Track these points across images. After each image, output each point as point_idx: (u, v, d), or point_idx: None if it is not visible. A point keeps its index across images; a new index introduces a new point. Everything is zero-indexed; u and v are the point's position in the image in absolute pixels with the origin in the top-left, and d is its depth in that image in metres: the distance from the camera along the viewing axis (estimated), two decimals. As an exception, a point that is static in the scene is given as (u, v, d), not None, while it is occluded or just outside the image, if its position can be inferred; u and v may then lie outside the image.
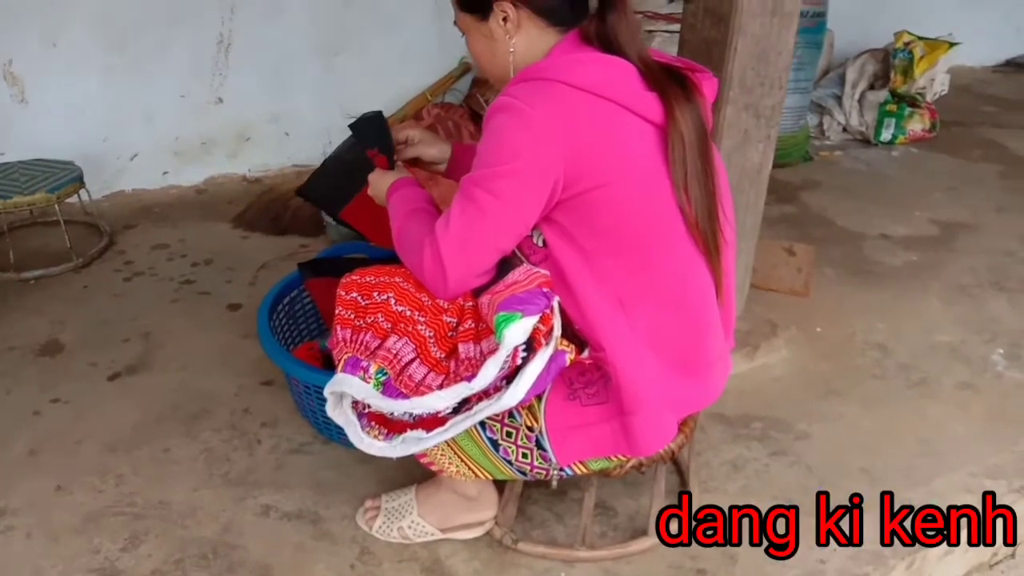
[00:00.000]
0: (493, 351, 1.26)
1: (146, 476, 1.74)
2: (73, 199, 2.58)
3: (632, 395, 1.31)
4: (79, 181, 2.52)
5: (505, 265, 1.34)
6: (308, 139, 3.20)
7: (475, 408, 1.27)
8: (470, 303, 1.33)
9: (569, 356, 1.28)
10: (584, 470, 1.42)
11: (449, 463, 1.45)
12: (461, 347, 1.30)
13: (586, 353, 1.31)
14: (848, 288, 2.58)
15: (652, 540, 1.59)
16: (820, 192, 3.27)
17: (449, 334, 1.33)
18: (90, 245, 2.62)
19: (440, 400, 1.25)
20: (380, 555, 1.57)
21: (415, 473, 1.69)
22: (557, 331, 1.27)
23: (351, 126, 1.76)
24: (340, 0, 3.07)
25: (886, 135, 3.72)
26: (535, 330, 1.24)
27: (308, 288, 1.98)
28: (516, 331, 1.21)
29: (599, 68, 1.28)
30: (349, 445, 1.77)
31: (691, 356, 1.39)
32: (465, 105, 3.26)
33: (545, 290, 1.27)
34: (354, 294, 1.37)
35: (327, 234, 2.74)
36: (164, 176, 3.02)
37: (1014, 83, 4.80)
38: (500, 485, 1.61)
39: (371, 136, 1.68)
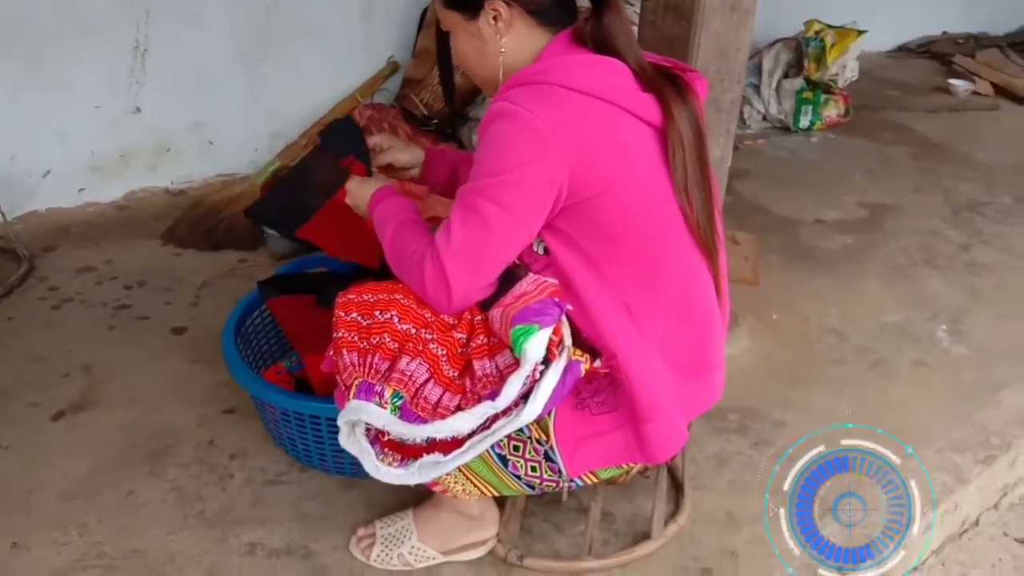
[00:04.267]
0: (510, 366, 1.22)
1: (113, 524, 1.61)
2: (-16, 223, 2.38)
3: (646, 403, 1.29)
4: (-7, 204, 2.32)
5: (508, 276, 1.29)
6: (233, 147, 3.04)
7: (494, 427, 1.22)
8: (479, 317, 1.29)
9: (584, 366, 1.25)
10: (594, 480, 1.40)
11: (455, 482, 1.39)
12: (476, 364, 1.25)
13: (599, 362, 1.28)
14: (794, 274, 2.65)
15: (656, 543, 1.58)
16: (751, 180, 3.34)
17: (460, 351, 1.28)
18: (8, 272, 2.40)
19: (464, 422, 1.20)
20: (381, 585, 1.50)
21: (403, 496, 1.63)
22: (568, 341, 1.24)
23: (321, 133, 1.68)
24: (262, 3, 2.92)
25: (804, 122, 3.84)
26: (548, 342, 1.20)
27: (270, 308, 1.87)
28: (536, 344, 1.18)
29: (596, 70, 1.26)
30: (329, 471, 1.72)
31: (699, 360, 1.38)
32: (397, 105, 3.17)
33: (556, 299, 1.24)
34: (354, 314, 1.30)
35: (268, 247, 2.61)
36: (80, 193, 2.81)
37: (908, 67, 5.04)
38: (501, 502, 1.57)
39: (344, 143, 1.61)
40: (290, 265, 2.08)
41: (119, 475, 1.73)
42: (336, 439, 1.33)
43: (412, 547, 1.52)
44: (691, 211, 1.30)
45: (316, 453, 1.68)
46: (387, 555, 1.52)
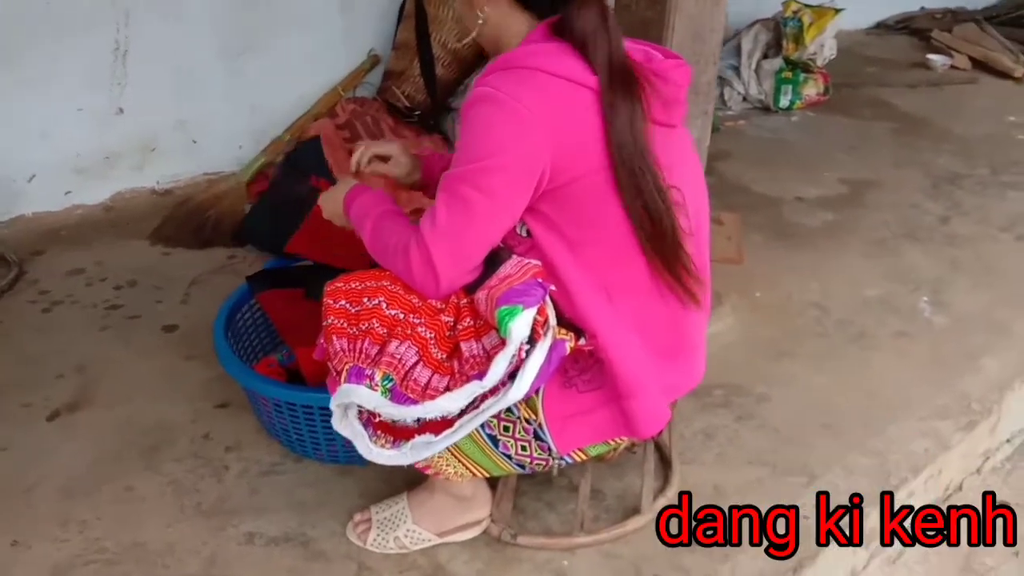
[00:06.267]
0: (497, 347, 1.25)
1: (112, 518, 1.63)
2: (-29, 229, 2.39)
3: (627, 380, 1.33)
4: (-21, 209, 2.33)
5: (492, 258, 1.32)
6: (218, 145, 3.05)
7: (482, 407, 1.25)
8: (465, 300, 1.32)
9: (569, 344, 1.28)
10: (583, 457, 1.43)
11: (447, 465, 1.42)
12: (463, 346, 1.28)
13: (584, 340, 1.31)
14: (776, 251, 2.68)
15: (646, 518, 1.61)
16: (732, 161, 3.37)
17: (448, 334, 1.31)
18: (-3, 277, 2.43)
19: (452, 402, 1.23)
20: (379, 568, 1.53)
21: (396, 482, 1.67)
22: (552, 320, 1.27)
23: (286, 157, 1.71)
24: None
25: (784, 101, 3.88)
26: (533, 322, 1.23)
27: (260, 302, 1.90)
28: (520, 324, 1.20)
29: (577, 56, 1.27)
30: (323, 460, 1.75)
31: (676, 342, 1.41)
32: (379, 98, 3.18)
33: (539, 280, 1.27)
34: (343, 302, 1.32)
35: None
36: (67, 196, 2.82)
37: (887, 44, 5.08)
38: (493, 483, 1.60)
39: (309, 163, 1.64)
40: (278, 259, 2.10)
41: (117, 471, 1.75)
42: (329, 427, 1.36)
43: (407, 530, 1.55)
44: (641, 215, 1.28)
45: (310, 442, 1.71)
46: (383, 539, 1.55)
